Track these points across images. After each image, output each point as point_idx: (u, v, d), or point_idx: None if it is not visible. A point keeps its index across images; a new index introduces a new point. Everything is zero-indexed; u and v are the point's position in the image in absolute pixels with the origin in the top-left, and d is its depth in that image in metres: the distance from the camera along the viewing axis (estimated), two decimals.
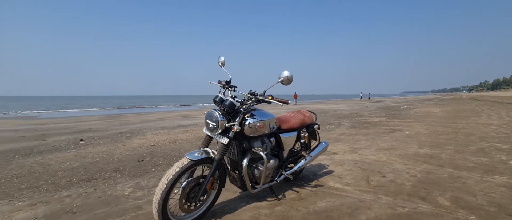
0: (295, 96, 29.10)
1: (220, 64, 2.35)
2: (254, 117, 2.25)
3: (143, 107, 32.22)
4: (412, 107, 16.79)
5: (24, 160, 4.59)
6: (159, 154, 4.78)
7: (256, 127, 2.24)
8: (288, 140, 2.70)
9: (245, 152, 2.32)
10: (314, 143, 3.16)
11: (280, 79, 2.12)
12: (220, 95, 2.17)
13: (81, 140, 6.67)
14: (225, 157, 2.34)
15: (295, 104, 26.63)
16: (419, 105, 19.76)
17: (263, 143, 2.39)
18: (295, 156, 2.90)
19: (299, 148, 2.95)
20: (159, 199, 1.78)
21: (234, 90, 2.31)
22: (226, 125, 2.08)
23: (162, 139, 6.55)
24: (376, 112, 13.76)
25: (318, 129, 3.19)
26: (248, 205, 2.46)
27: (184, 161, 1.92)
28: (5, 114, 22.71)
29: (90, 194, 2.88)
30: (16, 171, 3.93)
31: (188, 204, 1.99)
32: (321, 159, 4.12)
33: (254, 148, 2.33)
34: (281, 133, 2.65)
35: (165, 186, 1.80)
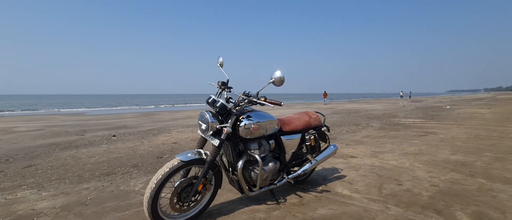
0: (325, 95, 27.55)
1: (218, 64, 2.35)
2: (250, 118, 2.22)
3: (175, 105, 33.76)
4: (456, 108, 15.26)
5: (61, 153, 5.09)
6: (178, 151, 4.96)
7: (251, 129, 2.20)
8: (291, 143, 2.61)
9: (241, 154, 2.30)
10: (323, 146, 3.03)
11: (271, 80, 2.07)
12: (213, 96, 2.17)
13: (114, 136, 7.20)
14: (220, 158, 2.35)
15: (325, 104, 25.71)
16: (465, 105, 17.90)
17: (260, 145, 2.35)
18: (299, 159, 2.80)
19: (304, 151, 2.85)
20: (148, 198, 1.85)
21: (230, 91, 2.29)
22: (217, 127, 2.07)
23: (185, 136, 6.80)
24: (413, 113, 12.77)
25: (328, 131, 3.05)
26: (246, 208, 2.44)
27: (174, 162, 1.96)
28: (60, 110, 25.41)
29: (105, 188, 3.09)
30: (52, 163, 4.37)
31: (180, 204, 2.03)
32: (335, 163, 3.93)
33: (250, 150, 2.29)
34: (283, 135, 2.58)
35: (154, 186, 1.86)
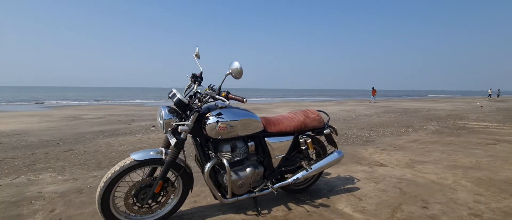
0: (374, 92, 23.41)
1: (194, 55, 2.13)
2: (220, 116, 1.95)
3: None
4: None
5: (101, 140, 5.60)
6: None
7: (217, 128, 1.93)
8: (278, 146, 2.26)
9: (211, 156, 2.06)
10: (330, 150, 2.58)
11: (229, 72, 1.80)
12: (174, 90, 1.95)
13: (153, 126, 7.69)
14: (196, 159, 2.15)
15: (375, 102, 22.05)
16: None
17: (234, 147, 2.06)
18: (292, 166, 2.42)
19: (301, 156, 2.45)
20: (98, 196, 1.76)
21: (200, 85, 2.06)
22: (174, 124, 1.86)
23: None
24: (489, 115, 10.53)
25: (334, 133, 2.57)
26: (221, 215, 2.19)
27: (127, 160, 1.84)
28: (131, 101, 28.82)
29: None
30: (88, 149, 4.82)
31: (139, 205, 1.90)
32: (355, 170, 3.36)
33: (221, 152, 2.03)
34: (268, 136, 2.24)
35: (102, 184, 1.76)
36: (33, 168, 3.63)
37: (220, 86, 1.92)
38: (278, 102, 24.50)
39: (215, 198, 2.10)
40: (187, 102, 1.88)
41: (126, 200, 1.86)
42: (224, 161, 1.96)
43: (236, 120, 1.99)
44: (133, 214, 1.93)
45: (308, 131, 2.44)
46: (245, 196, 2.17)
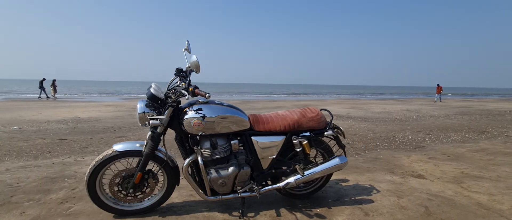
0: (438, 89, 19.35)
1: (183, 49, 2.11)
2: (199, 111, 1.90)
3: (274, 94, 34.76)
4: None
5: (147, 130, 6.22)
6: None
7: (192, 124, 1.88)
8: (266, 146, 2.09)
9: (192, 151, 2.02)
10: (335, 152, 2.29)
11: (188, 66, 1.74)
12: (153, 84, 1.96)
13: None
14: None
15: (440, 101, 18.50)
16: None
17: (214, 144, 1.99)
18: (285, 168, 2.21)
19: (299, 158, 2.22)
20: (85, 182, 1.92)
21: (186, 79, 2.03)
22: (149, 118, 1.88)
23: None
24: None
25: (341, 135, 2.26)
26: (206, 213, 2.15)
27: (109, 151, 1.94)
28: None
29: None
30: (135, 136, 5.40)
31: (124, 193, 2.01)
32: (381, 180, 2.91)
33: (201, 148, 1.98)
34: (256, 135, 2.09)
35: (88, 171, 1.91)
36: (85, 150, 4.24)
37: (189, 81, 1.87)
38: (333, 99, 23.24)
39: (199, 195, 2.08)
40: (162, 97, 1.89)
41: (111, 188, 1.99)
42: (198, 158, 1.92)
43: (212, 116, 1.91)
44: (122, 202, 2.06)
45: (305, 132, 2.19)
46: (230, 195, 2.08)
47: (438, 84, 19.44)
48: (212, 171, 1.99)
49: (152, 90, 1.88)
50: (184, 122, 1.90)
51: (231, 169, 2.00)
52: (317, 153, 2.38)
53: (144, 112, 1.89)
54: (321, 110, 2.35)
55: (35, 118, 7.91)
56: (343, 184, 2.82)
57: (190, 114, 1.90)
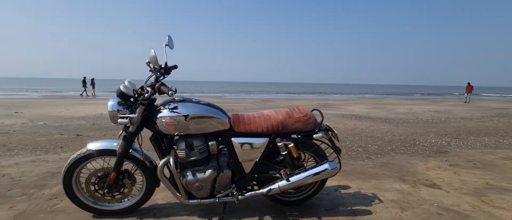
0: (468, 89, 17.37)
1: (164, 45, 2.01)
2: (173, 110, 1.80)
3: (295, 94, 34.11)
4: None
5: None
6: None
7: (163, 123, 1.78)
8: (247, 148, 1.93)
9: (168, 152, 1.93)
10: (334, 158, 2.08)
11: (147, 61, 1.70)
12: (126, 82, 1.88)
13: None
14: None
15: (468, 102, 16.55)
16: None
17: (190, 145, 1.87)
18: (272, 173, 2.04)
19: (286, 163, 2.04)
20: (61, 181, 1.90)
21: (164, 77, 1.94)
22: (120, 116, 1.80)
23: None
24: None
25: (336, 139, 2.06)
26: (185, 216, 2.05)
27: (84, 149, 1.90)
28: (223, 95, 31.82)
29: None
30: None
31: (101, 193, 1.96)
32: (388, 188, 2.62)
33: (176, 149, 1.88)
34: (236, 136, 1.94)
35: (63, 170, 1.89)
36: None
37: (155, 78, 1.77)
38: (355, 98, 22.30)
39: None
40: (131, 94, 1.80)
41: (88, 187, 1.96)
42: (170, 159, 1.81)
43: (185, 116, 1.79)
44: (100, 201, 2.02)
45: (293, 133, 2.00)
46: (210, 200, 1.96)
47: (468, 83, 17.73)
48: (189, 173, 1.88)
49: (121, 87, 1.81)
50: (157, 121, 1.81)
51: (208, 172, 1.88)
52: (307, 157, 2.18)
53: (114, 110, 1.82)
54: (312, 110, 2.15)
55: (62, 114, 8.41)
56: (343, 191, 2.58)
57: (163, 113, 1.80)
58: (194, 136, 1.89)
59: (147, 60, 1.75)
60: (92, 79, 19.96)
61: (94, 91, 20.05)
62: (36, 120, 7.04)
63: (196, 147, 1.87)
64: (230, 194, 1.95)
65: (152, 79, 1.88)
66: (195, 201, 1.95)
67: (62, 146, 4.28)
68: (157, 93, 1.72)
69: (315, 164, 2.13)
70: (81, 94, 19.23)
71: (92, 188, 1.96)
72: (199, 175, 1.87)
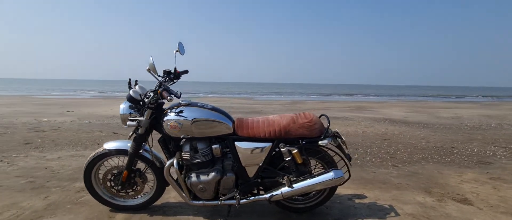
0: None
1: (174, 51, 2.12)
2: (180, 114, 1.88)
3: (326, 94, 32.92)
4: None
5: None
6: None
7: (168, 126, 1.87)
8: (250, 152, 1.94)
9: (175, 153, 2.01)
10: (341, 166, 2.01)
11: (147, 68, 1.84)
12: (137, 86, 1.99)
13: None
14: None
15: None
16: None
17: (194, 148, 1.93)
18: (278, 178, 2.02)
19: (291, 169, 2.01)
20: (83, 177, 2.10)
21: (173, 82, 2.05)
22: (130, 119, 1.92)
23: None
24: None
25: (345, 146, 1.97)
26: (189, 217, 2.12)
27: (101, 148, 2.07)
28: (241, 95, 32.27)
29: None
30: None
31: (116, 188, 2.12)
32: (410, 200, 2.42)
33: (181, 151, 1.95)
34: (240, 140, 1.96)
35: (84, 166, 2.07)
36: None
37: (160, 82, 1.86)
38: (392, 101, 20.90)
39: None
40: (139, 98, 1.91)
41: (105, 183, 2.13)
42: (174, 161, 1.89)
43: (189, 119, 1.86)
44: (117, 197, 2.19)
45: (297, 139, 1.95)
46: (214, 202, 2.01)
47: None
48: (193, 175, 1.95)
49: (131, 92, 1.94)
50: (163, 124, 1.90)
51: (212, 174, 1.92)
52: (316, 163, 2.11)
53: (125, 113, 1.96)
54: (320, 116, 2.08)
55: (105, 113, 9.21)
56: (357, 200, 2.45)
57: (169, 116, 1.89)
58: (199, 139, 1.95)
59: (147, 67, 1.86)
60: (136, 81, 21.52)
61: None
62: (83, 118, 7.81)
63: (200, 150, 1.93)
64: (233, 198, 1.98)
65: (168, 84, 2.00)
66: (199, 202, 2.01)
67: (99, 143, 4.70)
68: (160, 98, 1.82)
69: (323, 170, 2.06)
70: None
71: (108, 184, 2.14)
72: (203, 177, 1.93)
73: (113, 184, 2.13)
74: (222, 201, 1.97)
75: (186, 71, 2.20)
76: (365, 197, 2.54)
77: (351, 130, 6.23)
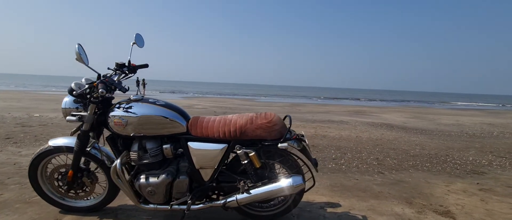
0: None
1: (131, 43, 1.97)
2: (126, 110, 1.73)
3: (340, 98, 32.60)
4: None
5: None
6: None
7: (113, 123, 1.72)
8: (202, 154, 1.78)
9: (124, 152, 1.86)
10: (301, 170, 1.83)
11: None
12: (83, 79, 1.84)
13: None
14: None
15: None
16: None
17: (143, 147, 1.78)
18: (231, 183, 1.85)
19: (249, 173, 1.84)
20: (28, 175, 1.95)
21: (126, 75, 1.91)
22: (72, 114, 1.78)
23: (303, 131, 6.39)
24: None
25: (306, 149, 1.80)
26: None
27: (46, 145, 1.92)
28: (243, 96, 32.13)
29: None
30: None
31: (64, 188, 1.97)
32: (382, 212, 2.23)
33: (130, 150, 1.80)
34: (191, 140, 1.80)
35: (29, 164, 1.93)
36: None
37: (98, 75, 1.71)
38: (395, 106, 20.52)
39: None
40: (81, 92, 1.76)
41: (52, 183, 1.98)
42: (117, 161, 1.74)
43: (135, 116, 1.71)
44: (67, 198, 2.04)
45: (256, 141, 1.78)
46: (165, 206, 1.85)
47: None
48: (142, 177, 1.79)
49: (72, 84, 1.79)
50: (109, 120, 1.75)
51: (162, 177, 1.76)
52: (279, 168, 1.94)
53: (68, 107, 1.82)
54: (285, 116, 1.91)
55: None
56: (329, 209, 2.27)
57: (114, 112, 1.75)
58: (148, 138, 1.79)
59: (75, 57, 1.70)
60: (143, 80, 21.63)
61: (144, 91, 21.69)
62: None
63: (149, 150, 1.77)
64: (182, 203, 1.81)
65: (96, 76, 1.83)
66: (150, 206, 1.85)
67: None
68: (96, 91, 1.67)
69: (281, 176, 1.88)
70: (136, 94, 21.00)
71: (55, 183, 1.99)
72: (152, 180, 1.77)
73: (60, 184, 1.99)
74: (173, 206, 1.81)
75: (145, 65, 2.06)
76: (339, 205, 2.35)
77: (345, 134, 6.02)
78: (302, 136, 1.85)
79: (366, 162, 3.81)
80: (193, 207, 1.80)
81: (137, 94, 1.87)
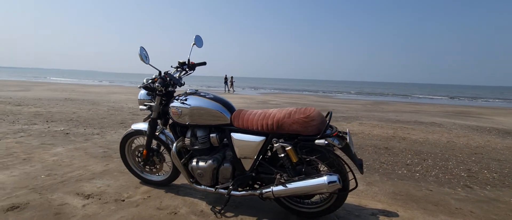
0: None
1: (192, 44, 2.26)
2: (184, 101, 2.01)
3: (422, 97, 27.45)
4: None
5: None
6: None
7: (171, 112, 2.01)
8: (242, 145, 1.89)
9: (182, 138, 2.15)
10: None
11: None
12: (154, 75, 2.19)
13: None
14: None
15: None
16: None
17: (194, 135, 2.02)
18: (271, 175, 1.91)
19: (286, 167, 1.86)
20: (119, 149, 2.50)
21: (186, 72, 2.22)
22: (145, 104, 2.15)
23: (378, 132, 5.78)
24: None
25: (344, 145, 1.71)
26: (193, 199, 2.24)
27: (129, 128, 2.40)
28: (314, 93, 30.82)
29: None
30: None
31: (142, 165, 2.44)
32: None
33: (184, 136, 2.08)
34: (234, 131, 1.94)
35: (120, 142, 2.46)
36: None
37: (160, 72, 1.99)
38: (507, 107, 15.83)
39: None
40: (146, 85, 2.11)
41: (133, 158, 2.48)
42: (173, 145, 2.02)
43: (187, 107, 1.96)
44: (144, 172, 2.53)
45: (292, 135, 1.78)
46: (211, 189, 2.06)
47: None
48: (194, 160, 2.05)
49: (144, 80, 2.18)
50: (169, 109, 2.07)
51: (208, 162, 1.98)
52: (308, 162, 1.88)
53: (142, 99, 2.24)
54: (328, 113, 1.84)
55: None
56: (382, 217, 2.05)
57: (174, 103, 2.05)
58: (199, 127, 2.04)
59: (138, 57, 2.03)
60: (231, 77, 23.54)
61: (233, 88, 23.65)
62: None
63: (198, 137, 2.01)
64: (226, 188, 1.98)
65: (156, 73, 2.17)
66: (200, 187, 2.10)
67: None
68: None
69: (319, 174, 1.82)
70: (225, 90, 22.84)
71: (136, 159, 2.49)
72: (201, 163, 2.01)
73: (139, 160, 2.48)
74: (217, 190, 2.01)
75: (203, 63, 2.33)
76: (396, 215, 2.09)
77: (432, 138, 5.14)
78: (345, 133, 1.74)
79: (451, 173, 3.19)
80: (234, 192, 1.95)
81: (194, 89, 2.15)
